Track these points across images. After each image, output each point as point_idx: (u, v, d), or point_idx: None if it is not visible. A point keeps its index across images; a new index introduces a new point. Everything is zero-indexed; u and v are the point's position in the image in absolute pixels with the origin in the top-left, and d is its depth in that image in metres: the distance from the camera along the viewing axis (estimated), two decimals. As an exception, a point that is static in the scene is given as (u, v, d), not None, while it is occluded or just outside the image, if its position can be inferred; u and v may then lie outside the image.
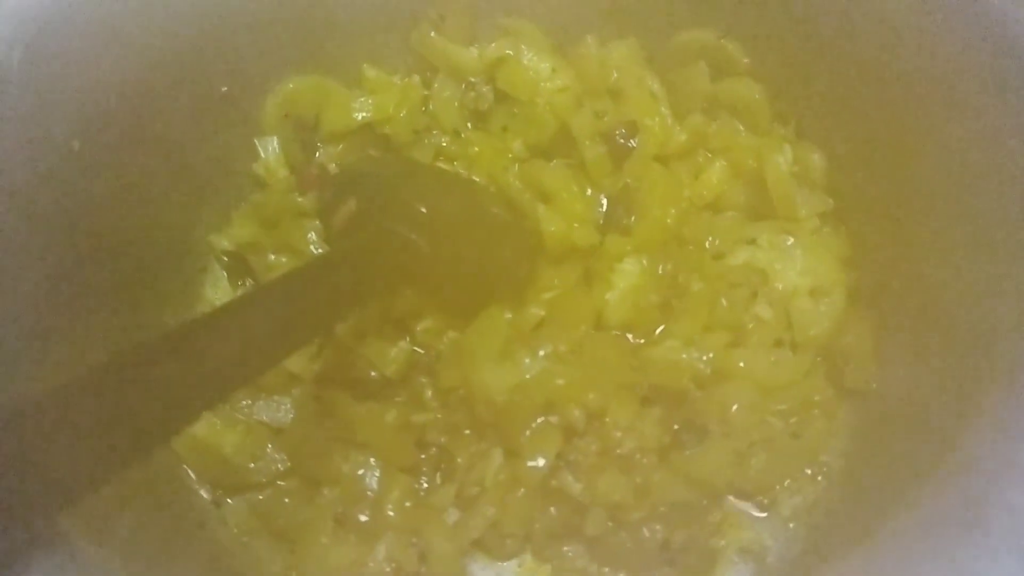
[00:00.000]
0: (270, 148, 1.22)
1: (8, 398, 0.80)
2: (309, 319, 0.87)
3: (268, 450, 1.07)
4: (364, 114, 1.23)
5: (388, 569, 1.00)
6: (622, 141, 1.18)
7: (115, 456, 0.60)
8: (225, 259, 1.22)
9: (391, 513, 1.00)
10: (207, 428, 1.06)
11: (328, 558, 1.01)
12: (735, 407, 1.01)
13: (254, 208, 1.21)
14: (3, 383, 0.85)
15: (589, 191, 1.18)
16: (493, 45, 1.22)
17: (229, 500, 1.08)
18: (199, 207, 1.18)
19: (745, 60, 1.17)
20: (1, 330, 0.88)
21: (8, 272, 0.88)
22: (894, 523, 0.77)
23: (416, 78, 1.28)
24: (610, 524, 1.00)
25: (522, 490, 0.98)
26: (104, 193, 1.01)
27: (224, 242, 1.20)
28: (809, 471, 1.08)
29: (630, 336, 1.10)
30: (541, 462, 0.96)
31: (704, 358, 1.03)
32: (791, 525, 1.06)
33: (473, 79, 1.25)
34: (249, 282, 1.20)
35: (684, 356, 1.05)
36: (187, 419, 0.70)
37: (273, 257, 1.20)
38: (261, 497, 1.07)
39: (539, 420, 1.00)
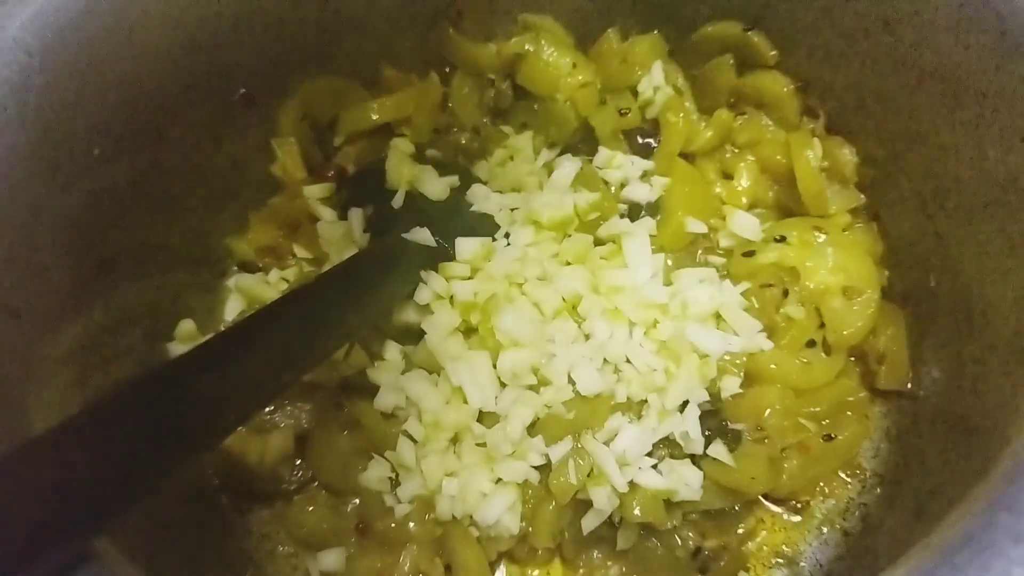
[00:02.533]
0: (288, 149, 1.20)
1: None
2: (336, 325, 0.86)
3: (292, 458, 1.06)
4: (382, 116, 1.22)
5: (414, 579, 0.99)
6: (646, 139, 1.16)
7: (150, 473, 0.59)
8: (244, 263, 1.21)
9: (412, 525, 0.98)
10: (232, 437, 1.04)
11: (353, 568, 1.01)
12: (768, 412, 0.99)
13: (272, 211, 1.20)
14: (45, 408, 0.85)
15: (612, 190, 1.16)
16: (513, 41, 1.19)
17: (253, 508, 1.08)
18: (217, 211, 1.17)
19: (772, 53, 1.15)
20: (40, 349, 0.88)
21: (35, 285, 0.87)
22: (935, 534, 0.75)
23: (434, 76, 1.25)
24: (641, 532, 0.98)
25: (552, 504, 0.96)
26: (123, 199, 1.00)
27: (243, 246, 1.19)
28: (842, 474, 1.06)
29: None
30: (573, 477, 0.94)
31: (737, 361, 1.01)
32: (824, 529, 1.05)
33: (492, 76, 1.23)
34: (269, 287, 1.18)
35: (715, 358, 1.03)
36: (222, 433, 0.69)
37: (293, 260, 1.19)
38: (285, 505, 1.07)
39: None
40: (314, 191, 1.18)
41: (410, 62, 1.26)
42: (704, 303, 1.02)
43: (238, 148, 1.17)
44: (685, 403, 0.98)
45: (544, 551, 1.00)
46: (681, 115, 1.15)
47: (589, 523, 0.96)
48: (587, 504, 0.96)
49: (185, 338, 1.09)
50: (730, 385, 1.00)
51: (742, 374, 1.01)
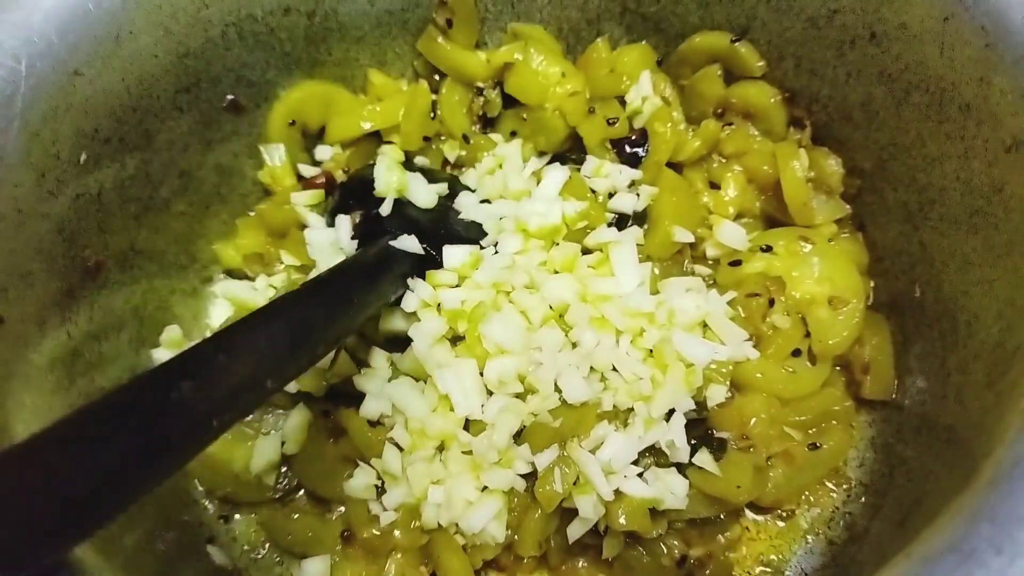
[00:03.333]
0: (276, 156, 1.20)
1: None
2: (322, 332, 0.85)
3: (277, 466, 1.05)
4: (371, 123, 1.22)
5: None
6: (634, 149, 1.16)
7: (135, 480, 0.59)
8: (231, 269, 1.20)
9: (397, 533, 0.98)
10: (218, 444, 1.04)
11: (337, 575, 1.00)
12: (753, 421, 0.99)
13: (260, 217, 1.20)
14: (29, 413, 0.85)
15: (600, 199, 1.16)
16: (502, 49, 1.20)
17: (237, 515, 1.08)
18: (205, 217, 1.16)
19: (759, 64, 1.15)
20: (25, 354, 0.87)
21: (20, 291, 0.87)
22: (918, 544, 0.75)
23: (423, 83, 1.25)
24: (626, 540, 0.98)
25: (538, 512, 0.96)
26: (110, 205, 1.00)
27: (230, 252, 1.18)
28: (827, 483, 1.06)
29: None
30: (559, 485, 0.94)
31: (723, 370, 1.01)
32: (809, 538, 1.05)
33: (481, 84, 1.23)
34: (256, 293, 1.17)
35: (701, 367, 1.03)
36: (206, 439, 0.68)
37: (280, 267, 1.19)
38: (270, 512, 1.06)
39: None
40: (302, 198, 1.18)
41: (399, 69, 1.27)
42: (690, 312, 1.02)
43: (226, 154, 1.17)
44: (671, 412, 0.98)
45: (529, 559, 1.00)
46: (669, 125, 1.15)
47: (575, 531, 0.96)
48: (573, 512, 0.95)
49: (171, 344, 1.08)
50: (716, 394, 1.00)
51: (728, 383, 1.01)
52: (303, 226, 1.16)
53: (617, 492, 0.93)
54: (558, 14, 1.23)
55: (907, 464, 1.00)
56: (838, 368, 1.10)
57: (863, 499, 1.05)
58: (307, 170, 1.22)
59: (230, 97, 1.13)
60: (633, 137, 1.17)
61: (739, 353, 1.03)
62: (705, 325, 1.05)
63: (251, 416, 1.06)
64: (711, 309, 1.04)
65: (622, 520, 0.93)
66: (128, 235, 1.04)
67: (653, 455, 0.98)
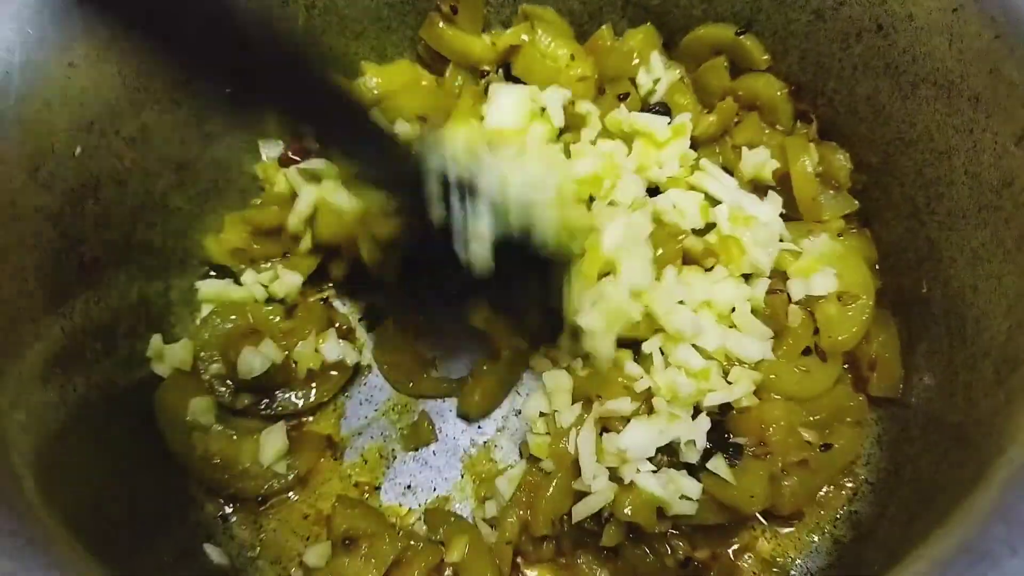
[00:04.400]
0: (273, 151, 1.19)
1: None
2: None
3: (284, 457, 1.05)
4: (376, 79, 1.18)
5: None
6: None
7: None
8: (219, 265, 1.17)
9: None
10: (222, 442, 1.03)
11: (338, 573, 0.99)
12: (772, 428, 0.97)
13: (246, 215, 1.16)
14: (23, 406, 0.84)
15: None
16: (509, 31, 1.18)
17: (235, 515, 1.05)
18: (203, 212, 1.15)
19: (765, 57, 1.14)
20: (19, 350, 0.86)
21: (14, 285, 0.86)
22: (930, 545, 0.74)
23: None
24: (630, 536, 0.96)
25: (551, 490, 0.96)
26: (106, 198, 0.98)
27: (214, 247, 1.15)
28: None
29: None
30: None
31: (750, 369, 1.00)
32: (815, 538, 1.03)
33: (486, 67, 1.21)
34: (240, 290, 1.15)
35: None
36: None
37: (267, 264, 1.15)
38: (269, 514, 1.05)
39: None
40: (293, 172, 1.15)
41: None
42: (720, 306, 1.02)
43: (223, 149, 1.15)
44: (695, 411, 0.97)
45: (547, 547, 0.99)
46: (688, 99, 1.15)
47: (579, 512, 0.94)
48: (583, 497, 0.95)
49: (157, 354, 1.07)
50: (742, 393, 0.98)
51: (754, 384, 0.99)
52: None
53: (630, 483, 0.92)
54: (561, 6, 1.21)
55: (914, 462, 0.99)
56: (845, 365, 1.08)
57: (870, 498, 1.03)
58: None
59: (228, 91, 1.11)
60: (656, 108, 1.15)
61: (766, 351, 1.02)
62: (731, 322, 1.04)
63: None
64: (741, 307, 1.03)
65: (627, 511, 0.91)
66: (125, 230, 1.02)
67: (668, 456, 0.96)
